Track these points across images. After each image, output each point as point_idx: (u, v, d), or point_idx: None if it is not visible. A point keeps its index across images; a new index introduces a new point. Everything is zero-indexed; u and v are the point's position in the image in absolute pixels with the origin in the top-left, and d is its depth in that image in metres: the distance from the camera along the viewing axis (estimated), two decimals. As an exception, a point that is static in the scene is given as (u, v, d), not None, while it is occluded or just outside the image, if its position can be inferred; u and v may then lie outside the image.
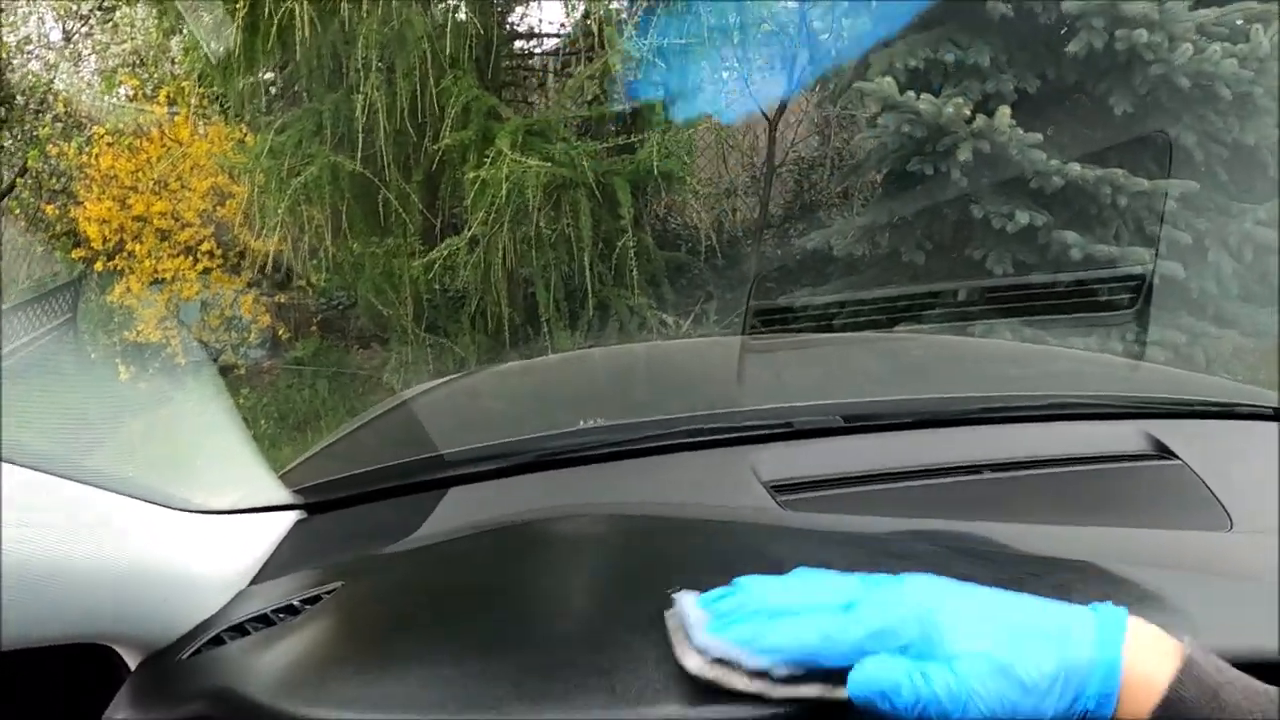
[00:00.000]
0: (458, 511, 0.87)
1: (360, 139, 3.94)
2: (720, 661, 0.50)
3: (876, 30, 4.56)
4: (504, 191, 3.52)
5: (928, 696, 0.47)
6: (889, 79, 4.02)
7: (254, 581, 0.81)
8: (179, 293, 4.93)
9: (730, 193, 4.84)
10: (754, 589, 0.54)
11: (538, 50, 4.52)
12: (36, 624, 0.58)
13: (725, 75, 4.40)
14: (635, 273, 3.72)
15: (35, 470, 0.58)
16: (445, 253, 3.77)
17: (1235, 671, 0.48)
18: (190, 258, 4.98)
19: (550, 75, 4.50)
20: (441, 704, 0.52)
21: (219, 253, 5.05)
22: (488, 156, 3.69)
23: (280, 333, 5.10)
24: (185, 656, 0.69)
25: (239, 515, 0.86)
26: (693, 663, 0.51)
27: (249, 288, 5.04)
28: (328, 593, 0.73)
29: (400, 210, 3.99)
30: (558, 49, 4.51)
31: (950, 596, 0.51)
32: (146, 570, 0.68)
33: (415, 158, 4.02)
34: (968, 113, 3.95)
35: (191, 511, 0.77)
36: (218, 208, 5.06)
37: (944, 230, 4.11)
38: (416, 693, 0.53)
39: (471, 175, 3.66)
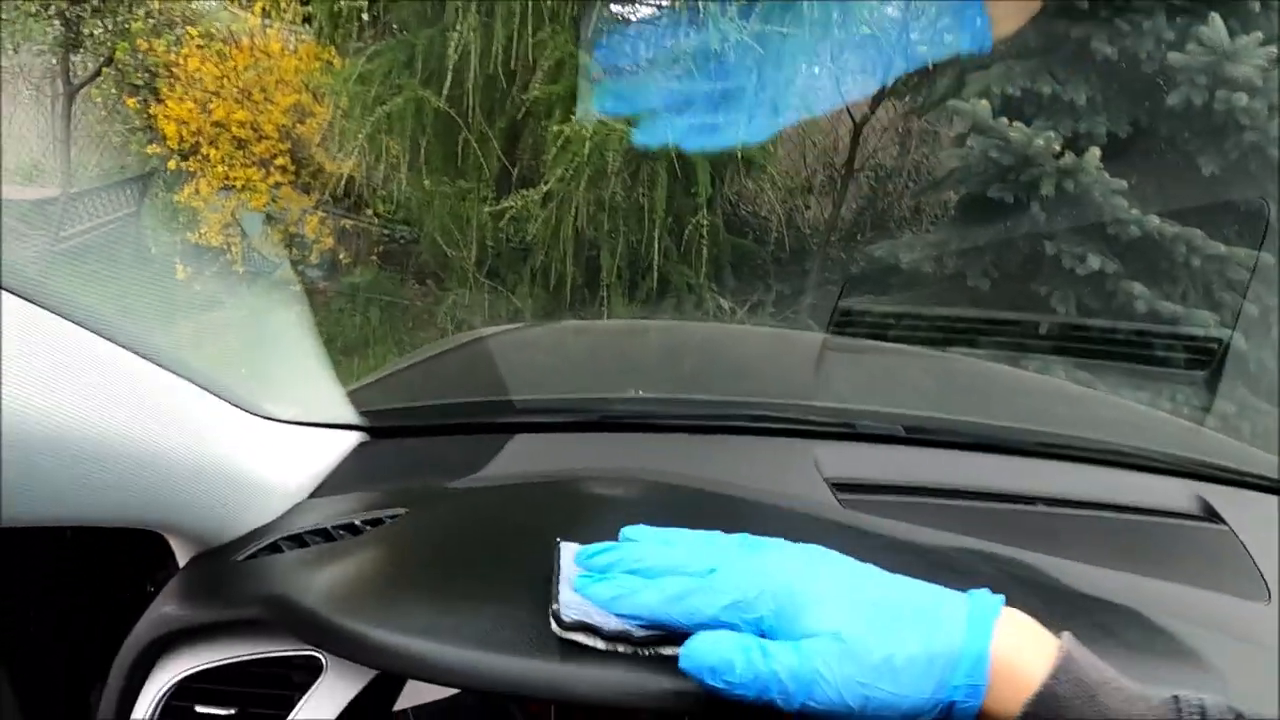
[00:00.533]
0: (522, 458, 0.88)
1: (449, 78, 3.96)
2: (581, 623, 0.51)
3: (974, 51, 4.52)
4: (586, 151, 3.54)
5: (767, 675, 0.44)
6: (984, 102, 3.99)
7: (312, 496, 0.81)
8: (247, 202, 4.99)
9: (805, 189, 4.81)
10: (634, 546, 0.54)
11: (634, 17, 4.51)
12: (96, 501, 0.57)
13: (816, 70, 4.37)
14: (705, 253, 3.73)
15: (109, 341, 0.56)
16: (519, 203, 3.80)
17: (1113, 672, 0.45)
18: (263, 170, 5.03)
19: (644, 43, 4.49)
20: (515, 645, 0.52)
21: (292, 169, 5.10)
22: (574, 114, 3.70)
23: (340, 257, 5.16)
24: (240, 559, 0.69)
25: (302, 427, 0.86)
26: (554, 624, 0.52)
27: (316, 208, 5.08)
28: (391, 517, 0.73)
29: (479, 154, 4.02)
30: (655, 18, 4.49)
31: (816, 571, 0.49)
32: (209, 463, 0.67)
33: (501, 105, 4.04)
34: (1057, 148, 3.92)
35: (255, 415, 0.77)
36: (297, 124, 5.11)
37: (1013, 261, 4.09)
38: (491, 630, 0.53)
39: (556, 130, 3.68)
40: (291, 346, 1.10)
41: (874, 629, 0.45)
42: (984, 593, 0.49)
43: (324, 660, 0.61)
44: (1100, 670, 0.45)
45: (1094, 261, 3.93)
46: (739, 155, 3.74)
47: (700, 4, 4.04)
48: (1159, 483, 0.96)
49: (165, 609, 0.64)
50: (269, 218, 5.14)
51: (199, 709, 0.61)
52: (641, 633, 0.50)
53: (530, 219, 3.81)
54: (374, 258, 5.26)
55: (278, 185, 5.01)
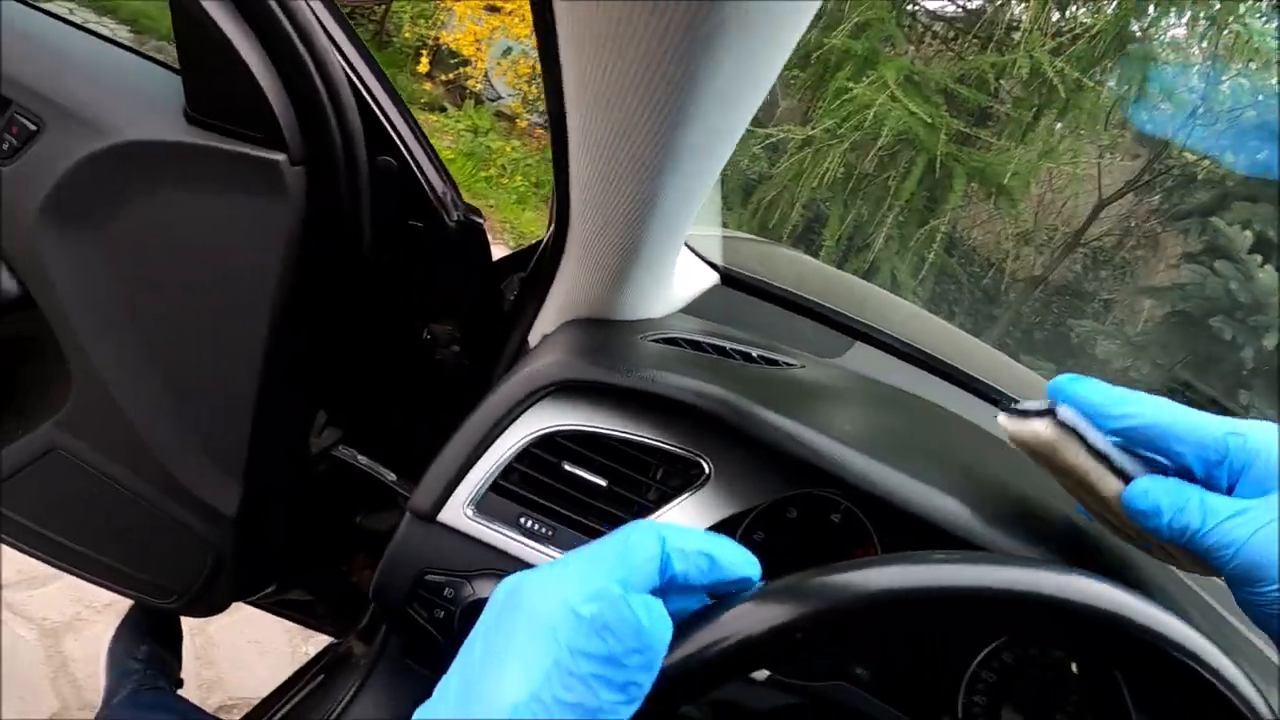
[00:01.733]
0: (868, 364, 0.90)
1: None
2: (1065, 430, 0.43)
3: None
4: (868, 115, 3.54)
5: (1193, 529, 0.40)
6: (1248, 233, 3.91)
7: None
8: (507, 27, 5.04)
9: (1023, 239, 4.72)
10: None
11: (948, 12, 4.43)
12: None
13: (1096, 129, 4.29)
14: (931, 256, 3.73)
15: None
16: (779, 135, 3.81)
17: None
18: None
19: (952, 36, 4.43)
20: (945, 486, 0.51)
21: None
22: (866, 76, 3.70)
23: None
24: (650, 338, 0.66)
25: (686, 249, 0.85)
26: (1010, 420, 0.46)
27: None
28: (787, 363, 0.72)
29: (756, 78, 4.03)
30: (969, 16, 4.41)
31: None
32: (658, 229, 0.59)
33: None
34: (1297, 305, 3.83)
35: None
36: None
37: (1201, 393, 4.04)
38: (925, 469, 0.53)
39: (844, 83, 3.68)
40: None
41: None
42: None
43: (709, 469, 0.58)
44: None
45: (1280, 428, 3.86)
46: (1001, 179, 3.71)
47: (1015, 31, 3.99)
48: None
49: (561, 357, 0.59)
50: (514, 49, 5.22)
51: (568, 466, 0.59)
52: (1118, 456, 0.43)
53: (782, 155, 3.83)
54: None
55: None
